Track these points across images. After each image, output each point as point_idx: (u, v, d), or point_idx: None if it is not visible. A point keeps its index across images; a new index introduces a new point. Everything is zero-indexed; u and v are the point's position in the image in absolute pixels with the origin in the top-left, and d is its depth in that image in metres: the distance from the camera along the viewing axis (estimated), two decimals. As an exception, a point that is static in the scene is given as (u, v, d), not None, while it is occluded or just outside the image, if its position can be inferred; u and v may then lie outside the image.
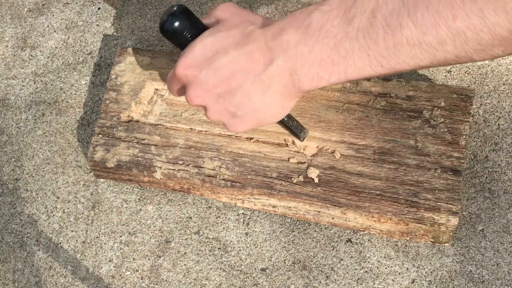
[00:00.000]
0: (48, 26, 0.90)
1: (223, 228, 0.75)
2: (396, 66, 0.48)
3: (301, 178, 0.70)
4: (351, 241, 0.73)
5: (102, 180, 0.79)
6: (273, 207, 0.73)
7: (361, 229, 0.72)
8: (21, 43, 0.89)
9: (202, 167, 0.72)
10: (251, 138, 0.73)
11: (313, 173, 0.70)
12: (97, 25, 0.89)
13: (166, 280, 0.73)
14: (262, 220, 0.75)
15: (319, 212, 0.71)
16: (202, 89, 0.56)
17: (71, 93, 0.85)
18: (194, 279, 0.73)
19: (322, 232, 0.74)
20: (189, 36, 0.57)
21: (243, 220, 0.75)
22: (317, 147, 0.72)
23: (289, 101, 0.57)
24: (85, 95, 0.85)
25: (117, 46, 0.87)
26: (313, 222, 0.74)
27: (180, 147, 0.74)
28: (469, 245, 0.72)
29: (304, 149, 0.72)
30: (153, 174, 0.73)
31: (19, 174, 0.81)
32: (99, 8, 0.91)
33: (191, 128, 0.75)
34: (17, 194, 0.80)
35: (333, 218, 0.72)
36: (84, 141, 0.82)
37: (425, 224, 0.68)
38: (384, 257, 0.72)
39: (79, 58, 0.87)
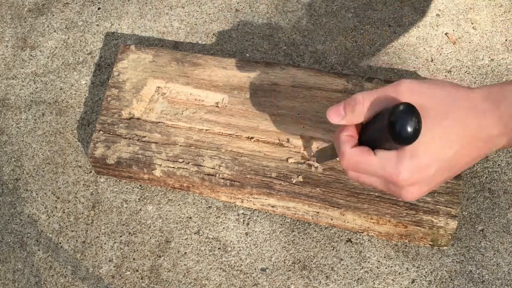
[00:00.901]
0: (48, 26, 0.90)
1: (223, 228, 0.75)
2: None
3: (300, 179, 0.70)
4: (351, 241, 0.73)
5: (102, 180, 0.79)
6: (272, 207, 0.73)
7: (359, 231, 0.72)
8: (21, 43, 0.89)
9: (202, 166, 0.72)
10: (251, 138, 0.73)
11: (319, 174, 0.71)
12: (97, 25, 0.89)
13: (166, 280, 0.73)
14: (262, 220, 0.75)
15: (318, 212, 0.71)
16: (422, 188, 0.52)
17: (71, 93, 0.85)
18: (194, 279, 0.73)
19: (322, 232, 0.74)
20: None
21: (243, 220, 0.75)
22: (318, 147, 0.72)
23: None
24: (85, 95, 0.85)
25: (117, 46, 0.87)
26: (312, 222, 0.74)
27: (180, 145, 0.74)
28: (469, 245, 0.72)
29: (304, 150, 0.72)
30: (152, 171, 0.73)
31: (19, 174, 0.81)
32: (99, 8, 0.91)
33: (191, 127, 0.75)
34: (17, 194, 0.80)
35: (332, 219, 0.71)
36: (84, 141, 0.82)
37: (423, 227, 0.68)
38: (384, 257, 0.72)
39: (79, 58, 0.87)
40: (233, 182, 0.71)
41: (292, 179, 0.71)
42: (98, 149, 0.75)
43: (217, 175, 0.72)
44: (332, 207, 0.69)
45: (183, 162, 0.73)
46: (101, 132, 0.76)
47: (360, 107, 0.52)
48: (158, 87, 0.78)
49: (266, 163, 0.72)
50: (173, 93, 0.77)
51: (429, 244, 0.71)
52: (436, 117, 0.49)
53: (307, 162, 0.71)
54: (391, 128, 0.48)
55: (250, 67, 0.77)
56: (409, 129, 0.48)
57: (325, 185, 0.70)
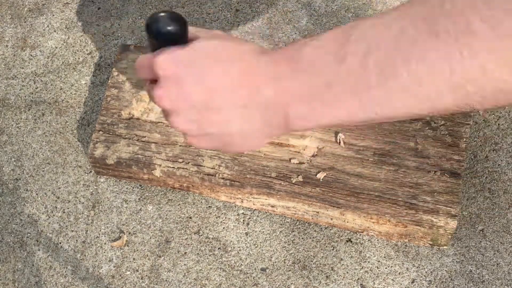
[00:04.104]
0: (48, 26, 0.90)
1: (223, 228, 0.75)
2: (391, 114, 0.45)
3: (300, 178, 0.70)
4: (351, 241, 0.73)
5: (102, 180, 0.79)
6: (272, 206, 0.73)
7: (359, 231, 0.72)
8: (21, 43, 0.89)
9: (202, 166, 0.72)
10: None
11: (321, 175, 0.71)
12: (97, 25, 0.89)
13: (166, 280, 0.73)
14: (262, 220, 0.75)
15: (317, 212, 0.71)
16: (178, 90, 0.48)
17: (71, 93, 0.85)
18: (194, 279, 0.73)
19: (322, 232, 0.74)
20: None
21: (243, 220, 0.75)
22: (317, 147, 0.72)
23: (268, 137, 0.51)
24: (85, 95, 0.85)
25: (117, 46, 0.87)
26: (312, 222, 0.74)
27: (180, 145, 0.74)
28: (469, 245, 0.72)
29: (304, 150, 0.72)
30: (152, 171, 0.73)
31: (19, 174, 0.81)
32: (99, 8, 0.91)
33: None
34: (17, 194, 0.80)
35: (331, 219, 0.72)
36: (84, 141, 0.82)
37: (423, 227, 0.68)
38: (384, 257, 0.72)
39: (79, 58, 0.87)
40: (233, 182, 0.71)
41: (292, 179, 0.71)
42: (98, 149, 0.75)
43: (217, 175, 0.72)
44: (332, 207, 0.69)
45: (182, 162, 0.73)
46: (100, 132, 0.76)
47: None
48: None
49: (266, 163, 0.72)
50: None
51: (429, 244, 0.71)
52: (216, 37, 0.50)
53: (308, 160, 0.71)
54: (148, 25, 0.49)
55: None
56: (163, 23, 0.49)
57: (324, 185, 0.70)
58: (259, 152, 0.73)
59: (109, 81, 0.78)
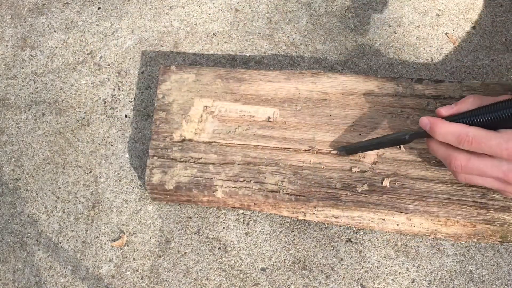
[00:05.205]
0: (48, 26, 0.90)
1: (223, 228, 0.75)
2: None
3: (365, 187, 0.69)
4: (351, 241, 0.73)
5: (102, 180, 0.79)
6: (336, 218, 0.71)
7: (426, 234, 0.71)
8: (21, 43, 0.89)
9: (264, 183, 0.70)
10: (309, 150, 0.72)
11: (386, 182, 0.70)
12: (97, 25, 0.89)
13: (166, 280, 0.73)
14: (262, 220, 0.75)
15: (384, 220, 0.70)
16: None
17: (71, 93, 0.85)
18: (194, 279, 0.73)
19: (322, 232, 0.74)
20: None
21: (243, 220, 0.75)
22: (377, 154, 0.71)
23: None
24: (85, 95, 0.85)
25: (117, 46, 0.87)
26: (377, 230, 0.73)
27: (238, 164, 0.72)
28: (469, 245, 0.72)
29: (363, 157, 0.71)
30: (214, 193, 0.71)
31: (19, 174, 0.81)
32: (99, 8, 0.91)
33: (246, 144, 0.73)
34: (17, 194, 0.80)
35: (398, 225, 0.70)
36: (84, 141, 0.82)
37: (494, 225, 0.67)
38: (384, 257, 0.72)
39: (79, 58, 0.87)
40: (298, 196, 0.70)
41: (357, 188, 0.69)
42: (155, 175, 0.72)
43: (281, 191, 0.70)
44: (400, 213, 0.68)
45: (244, 181, 0.71)
46: (155, 157, 0.73)
47: (471, 99, 0.58)
48: (206, 106, 0.75)
49: (328, 174, 0.70)
50: (222, 111, 0.75)
51: (498, 241, 0.70)
52: None
53: (371, 167, 0.70)
54: None
55: (296, 78, 0.75)
56: None
57: (391, 192, 0.69)
58: (319, 164, 0.71)
59: (155, 104, 0.76)
